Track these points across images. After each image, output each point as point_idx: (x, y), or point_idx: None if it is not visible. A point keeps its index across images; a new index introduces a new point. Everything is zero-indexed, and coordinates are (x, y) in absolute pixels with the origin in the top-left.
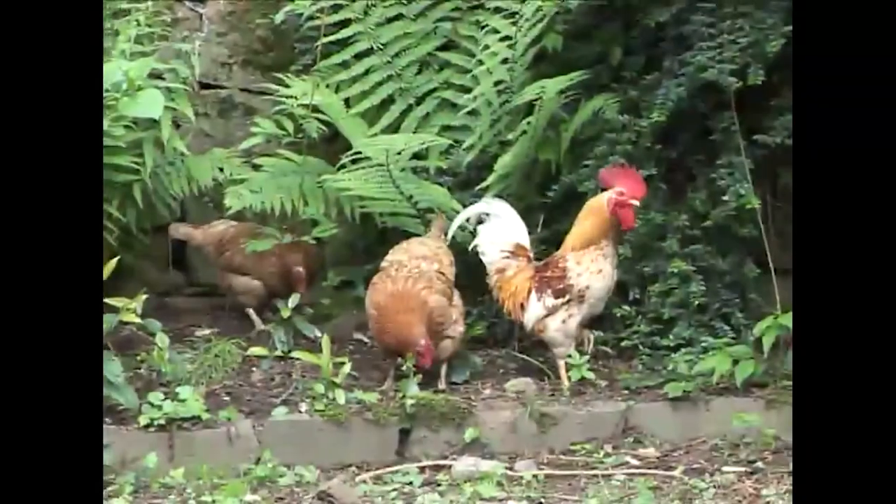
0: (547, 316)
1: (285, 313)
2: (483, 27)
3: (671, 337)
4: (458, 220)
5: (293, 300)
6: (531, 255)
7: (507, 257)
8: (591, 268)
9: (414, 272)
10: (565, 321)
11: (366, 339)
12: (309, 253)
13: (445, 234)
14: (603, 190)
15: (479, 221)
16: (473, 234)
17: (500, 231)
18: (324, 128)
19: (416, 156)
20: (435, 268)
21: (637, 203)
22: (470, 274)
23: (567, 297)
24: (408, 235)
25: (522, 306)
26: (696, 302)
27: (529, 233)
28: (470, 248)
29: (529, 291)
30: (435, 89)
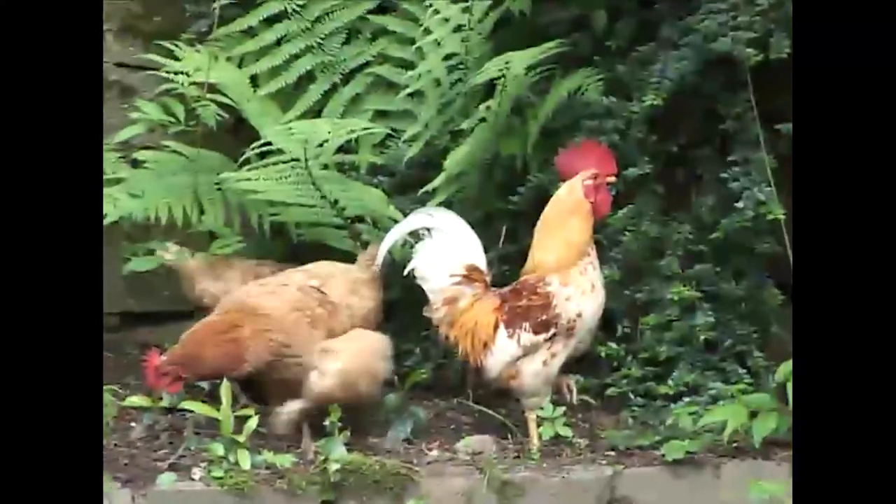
0: (522, 357)
1: None
2: None
3: (670, 383)
4: (389, 241)
5: None
6: (488, 279)
7: (459, 283)
8: (582, 285)
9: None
10: (546, 363)
11: None
12: None
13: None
14: (562, 180)
15: (419, 238)
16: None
17: (447, 249)
18: (224, 113)
19: (343, 149)
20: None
21: (614, 180)
22: (410, 303)
23: (552, 332)
24: (331, 251)
25: (486, 346)
26: (703, 337)
27: (489, 249)
28: (406, 272)
29: (496, 327)
30: (367, 64)
